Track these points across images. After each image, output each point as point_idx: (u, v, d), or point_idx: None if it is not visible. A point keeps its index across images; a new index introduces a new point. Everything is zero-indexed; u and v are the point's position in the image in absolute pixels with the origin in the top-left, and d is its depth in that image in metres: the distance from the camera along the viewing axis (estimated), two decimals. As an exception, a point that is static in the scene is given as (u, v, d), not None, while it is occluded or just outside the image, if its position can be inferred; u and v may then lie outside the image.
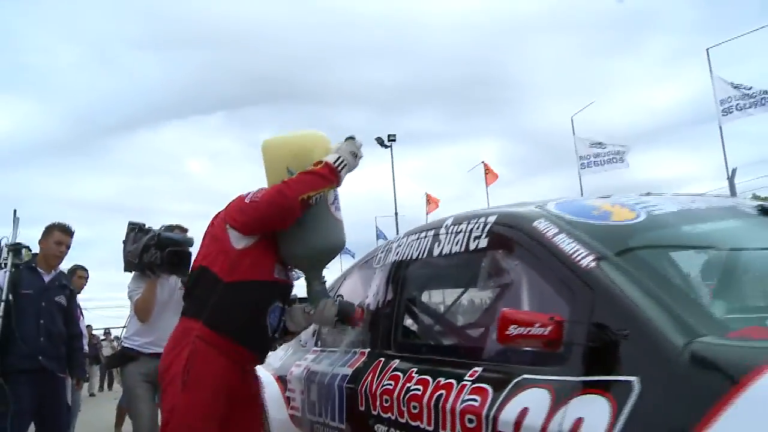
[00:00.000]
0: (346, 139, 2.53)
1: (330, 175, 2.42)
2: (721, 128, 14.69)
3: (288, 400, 3.15)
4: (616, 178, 17.26)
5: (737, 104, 14.38)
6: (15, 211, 4.35)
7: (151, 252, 3.61)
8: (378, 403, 2.17)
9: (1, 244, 4.16)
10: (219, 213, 2.54)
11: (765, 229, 1.94)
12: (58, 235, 4.16)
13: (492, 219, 2.05)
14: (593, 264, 1.57)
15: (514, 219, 1.96)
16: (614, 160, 15.90)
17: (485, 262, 2.03)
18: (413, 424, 1.94)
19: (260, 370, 3.07)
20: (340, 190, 2.60)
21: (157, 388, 3.57)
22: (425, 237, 2.44)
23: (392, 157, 25.82)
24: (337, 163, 2.44)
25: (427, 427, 1.87)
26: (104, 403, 8.64)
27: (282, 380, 3.26)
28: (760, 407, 1.07)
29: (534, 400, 1.51)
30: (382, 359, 2.33)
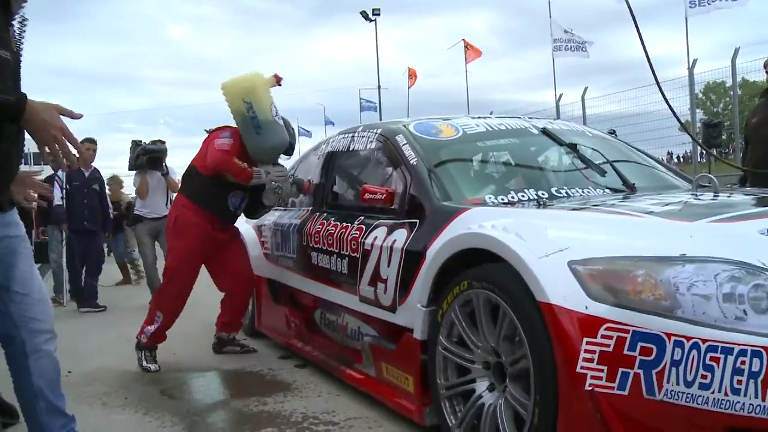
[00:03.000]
0: (275, 166, 3.91)
1: (246, 179, 3.80)
2: (686, 19, 15.38)
3: (262, 242, 4.56)
4: (596, 58, 18.16)
5: None
6: None
7: (141, 158, 6.06)
8: (313, 239, 3.59)
9: None
10: (211, 135, 3.92)
11: (532, 144, 3.28)
12: (87, 144, 6.46)
13: (379, 131, 3.36)
14: (415, 163, 2.92)
15: (387, 132, 3.27)
16: (578, 49, 16.80)
17: (372, 156, 3.38)
18: (330, 249, 3.36)
19: (243, 224, 4.52)
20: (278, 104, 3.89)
21: (155, 236, 6.31)
22: (347, 137, 3.75)
23: (376, 31, 26.25)
24: (255, 176, 3.81)
25: (335, 250, 3.29)
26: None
27: (258, 230, 4.68)
28: (452, 230, 2.44)
29: (380, 232, 2.91)
30: (317, 213, 3.72)
